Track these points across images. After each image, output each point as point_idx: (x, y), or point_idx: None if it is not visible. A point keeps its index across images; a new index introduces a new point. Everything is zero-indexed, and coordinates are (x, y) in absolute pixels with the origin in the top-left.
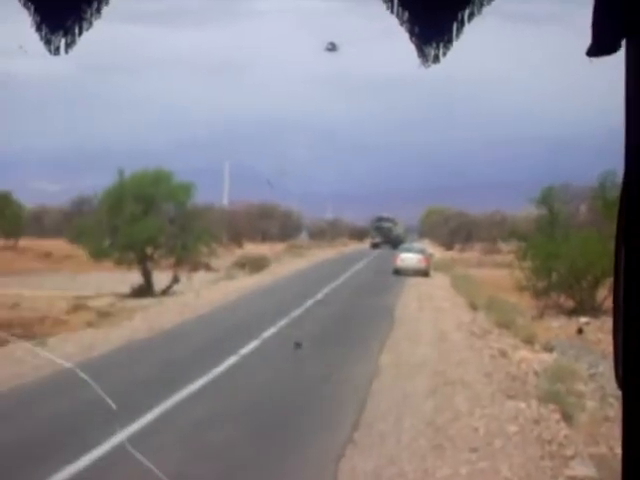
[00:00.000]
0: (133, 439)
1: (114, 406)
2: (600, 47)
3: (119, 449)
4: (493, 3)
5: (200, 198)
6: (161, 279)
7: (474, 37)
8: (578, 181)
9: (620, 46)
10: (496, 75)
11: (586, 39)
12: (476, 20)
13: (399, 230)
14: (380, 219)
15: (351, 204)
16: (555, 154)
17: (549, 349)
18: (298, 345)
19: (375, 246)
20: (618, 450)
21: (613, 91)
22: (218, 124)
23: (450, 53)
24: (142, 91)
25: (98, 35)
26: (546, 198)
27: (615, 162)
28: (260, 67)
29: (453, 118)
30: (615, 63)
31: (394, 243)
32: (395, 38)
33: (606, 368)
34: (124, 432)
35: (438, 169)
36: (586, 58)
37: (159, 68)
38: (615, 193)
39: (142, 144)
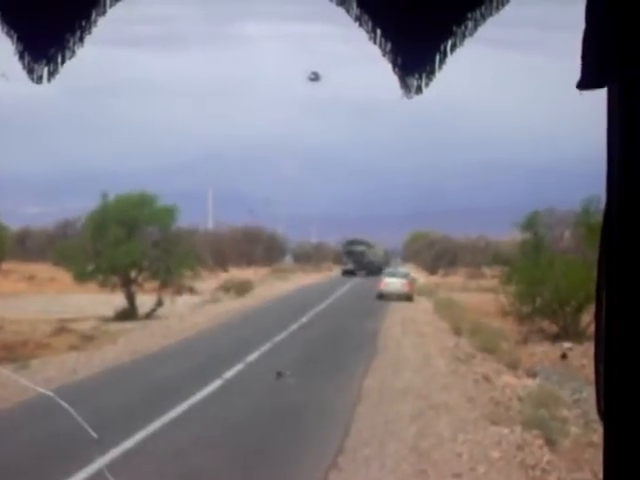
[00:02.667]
0: (113, 464)
1: (94, 432)
2: (589, 81)
3: (97, 475)
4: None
5: (185, 221)
6: (145, 302)
7: (457, 64)
8: (562, 206)
9: (609, 79)
10: (479, 101)
11: (568, 65)
12: (459, 47)
13: (377, 254)
14: (352, 242)
15: (336, 228)
16: (539, 180)
17: (533, 374)
18: (280, 375)
19: (348, 274)
20: (602, 476)
21: (596, 117)
22: (205, 147)
23: (434, 79)
24: (128, 114)
25: (84, 58)
26: (531, 223)
27: (599, 187)
28: (248, 91)
29: (439, 143)
30: (599, 91)
31: (369, 269)
32: (382, 63)
33: (590, 394)
34: (104, 458)
35: (423, 194)
36: (569, 85)
37: (146, 92)
38: (599, 218)
39: (127, 167)
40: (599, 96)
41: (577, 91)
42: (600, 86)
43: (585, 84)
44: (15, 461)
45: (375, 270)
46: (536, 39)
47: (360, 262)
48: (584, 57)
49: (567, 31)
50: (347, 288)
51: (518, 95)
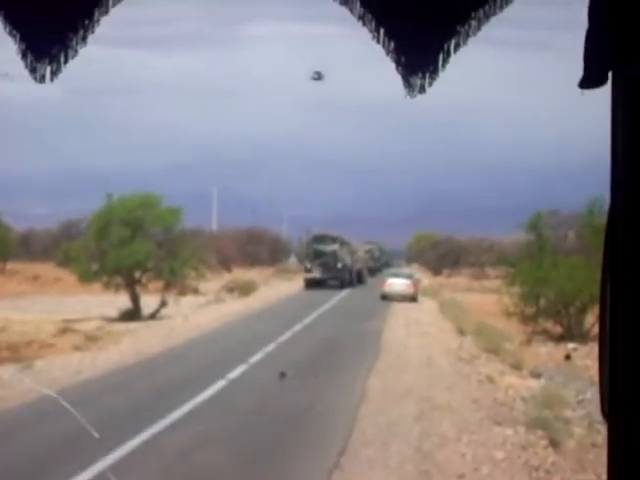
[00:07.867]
0: (115, 466)
1: (97, 433)
2: (591, 79)
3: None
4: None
5: (189, 222)
6: (149, 303)
7: (461, 64)
8: (566, 207)
9: (611, 77)
10: (483, 101)
11: (573, 66)
12: (463, 47)
13: (357, 256)
14: (320, 238)
15: (339, 228)
16: (543, 181)
17: (537, 375)
18: (283, 375)
19: (312, 285)
20: (605, 477)
21: (601, 118)
22: (209, 149)
23: (437, 79)
24: (131, 115)
25: (87, 59)
26: (535, 224)
27: (603, 189)
28: (251, 92)
29: (442, 145)
30: (603, 92)
31: (344, 278)
32: (386, 64)
33: (594, 394)
34: (106, 459)
35: (427, 195)
36: (573, 86)
37: (149, 92)
38: (603, 219)
39: (131, 168)
40: (604, 96)
41: (582, 92)
42: (601, 84)
43: (587, 83)
44: (18, 462)
45: (352, 279)
46: (540, 39)
47: (331, 267)
48: (586, 56)
49: (571, 32)
50: (351, 289)
51: (523, 96)
